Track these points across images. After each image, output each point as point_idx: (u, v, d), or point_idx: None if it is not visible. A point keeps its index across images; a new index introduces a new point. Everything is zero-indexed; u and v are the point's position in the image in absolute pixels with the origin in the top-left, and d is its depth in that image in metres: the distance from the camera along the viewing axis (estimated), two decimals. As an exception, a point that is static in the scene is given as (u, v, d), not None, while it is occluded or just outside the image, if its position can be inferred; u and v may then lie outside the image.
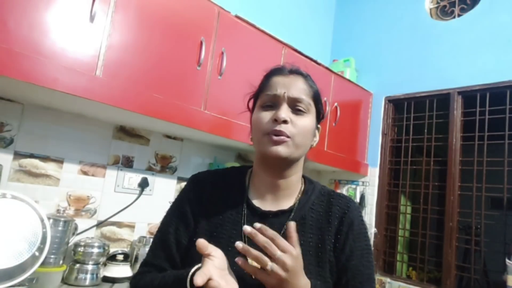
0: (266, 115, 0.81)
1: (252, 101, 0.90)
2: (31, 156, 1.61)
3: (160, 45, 1.61)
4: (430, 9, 2.69)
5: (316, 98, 0.87)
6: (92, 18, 1.40)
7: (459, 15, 2.53)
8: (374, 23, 2.98)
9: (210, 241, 0.78)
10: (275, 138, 0.78)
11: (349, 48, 3.09)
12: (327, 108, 2.43)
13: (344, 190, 2.80)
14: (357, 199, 2.69)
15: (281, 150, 0.78)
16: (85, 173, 1.77)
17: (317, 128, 0.90)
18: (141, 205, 1.93)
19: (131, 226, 1.92)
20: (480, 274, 2.27)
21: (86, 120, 1.76)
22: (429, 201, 2.45)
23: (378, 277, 2.49)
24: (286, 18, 2.83)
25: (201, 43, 1.73)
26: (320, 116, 0.89)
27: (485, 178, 2.21)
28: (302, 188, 0.89)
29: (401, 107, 2.74)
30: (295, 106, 0.82)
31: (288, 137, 0.79)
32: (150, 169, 2.01)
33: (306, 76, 0.88)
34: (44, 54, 1.29)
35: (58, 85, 1.30)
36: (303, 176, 0.93)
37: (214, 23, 1.80)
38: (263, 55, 2.03)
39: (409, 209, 2.68)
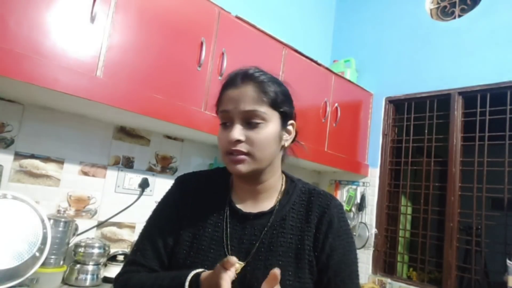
0: (223, 135, 0.81)
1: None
2: (32, 156, 1.61)
3: (161, 45, 1.61)
4: (431, 10, 2.69)
5: (275, 103, 0.81)
6: (92, 19, 1.40)
7: (459, 16, 2.53)
8: (375, 23, 2.98)
9: (193, 243, 0.82)
10: (233, 158, 0.79)
11: (349, 49, 3.09)
12: (328, 108, 2.43)
13: (344, 191, 2.80)
14: (358, 200, 2.69)
15: (241, 168, 0.79)
16: (85, 173, 1.77)
17: (289, 125, 0.86)
18: (141, 206, 1.93)
19: (132, 227, 1.92)
20: (481, 275, 2.26)
21: (86, 121, 1.76)
22: (429, 202, 2.44)
23: (378, 277, 2.49)
24: (287, 18, 2.83)
25: (202, 43, 1.73)
26: (287, 116, 0.85)
27: (486, 179, 2.21)
28: (283, 188, 0.89)
29: (401, 108, 2.74)
30: (249, 119, 0.78)
31: (246, 154, 0.78)
32: (150, 169, 2.01)
33: (260, 81, 0.81)
34: (45, 54, 1.29)
35: (59, 85, 1.30)
36: (285, 174, 0.92)
37: (214, 24, 1.80)
38: (264, 55, 2.03)
39: (409, 210, 2.68)
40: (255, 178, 0.84)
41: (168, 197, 0.92)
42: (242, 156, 0.78)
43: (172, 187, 0.93)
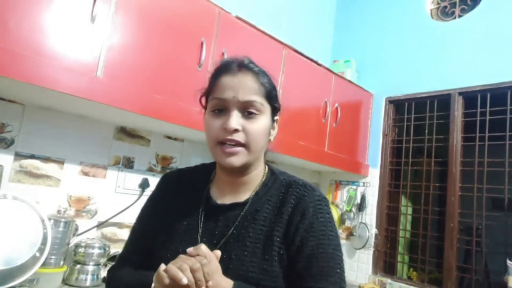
0: (216, 123, 0.77)
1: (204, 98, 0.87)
2: (32, 157, 1.61)
3: (161, 46, 1.61)
4: (431, 10, 2.69)
5: (270, 95, 0.81)
6: (93, 19, 1.40)
7: (459, 16, 2.53)
8: (375, 24, 2.98)
9: (168, 235, 0.84)
10: (227, 150, 0.76)
11: (349, 49, 3.09)
12: (328, 108, 2.43)
13: (344, 191, 2.80)
14: (358, 200, 2.69)
15: (235, 160, 0.76)
16: (85, 174, 1.77)
17: (275, 121, 0.86)
18: (141, 206, 1.93)
19: (132, 227, 1.91)
20: (481, 275, 2.26)
21: (86, 121, 1.76)
22: (429, 202, 2.44)
23: (378, 278, 2.49)
24: (287, 19, 2.83)
25: (202, 43, 1.73)
26: (276, 110, 0.85)
27: (486, 179, 2.21)
28: (263, 180, 0.87)
29: (401, 108, 2.74)
30: (246, 109, 0.76)
31: (241, 145, 0.76)
32: (150, 169, 2.01)
33: (257, 72, 0.80)
34: (45, 55, 1.29)
35: (59, 86, 1.30)
36: (269, 166, 0.91)
37: (214, 24, 1.80)
38: (264, 55, 2.03)
39: (409, 210, 2.68)
40: (240, 171, 0.83)
41: (151, 194, 0.96)
42: (238, 148, 0.76)
43: (156, 184, 0.96)
